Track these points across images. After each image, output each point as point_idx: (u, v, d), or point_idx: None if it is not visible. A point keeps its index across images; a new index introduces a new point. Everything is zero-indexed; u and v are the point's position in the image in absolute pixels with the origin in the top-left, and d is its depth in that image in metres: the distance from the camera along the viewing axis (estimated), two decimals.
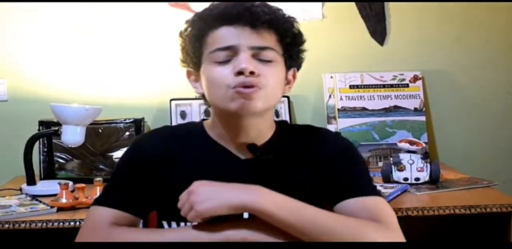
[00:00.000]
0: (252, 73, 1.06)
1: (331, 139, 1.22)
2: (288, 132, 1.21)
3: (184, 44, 1.16)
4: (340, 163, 1.18)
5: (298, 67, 1.21)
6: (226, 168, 1.15)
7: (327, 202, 1.16)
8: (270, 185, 1.11)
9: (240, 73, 1.07)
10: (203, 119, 1.24)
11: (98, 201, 1.15)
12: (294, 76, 1.20)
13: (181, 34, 1.16)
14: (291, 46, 1.15)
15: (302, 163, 1.18)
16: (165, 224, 1.15)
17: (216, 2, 1.13)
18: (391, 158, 1.94)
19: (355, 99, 2.23)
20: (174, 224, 1.14)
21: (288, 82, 1.18)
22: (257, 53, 1.09)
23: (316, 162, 1.18)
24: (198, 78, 1.16)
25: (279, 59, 1.12)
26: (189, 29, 1.14)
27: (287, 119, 2.15)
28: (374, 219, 1.06)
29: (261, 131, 1.16)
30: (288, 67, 1.16)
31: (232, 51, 1.08)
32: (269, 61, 1.10)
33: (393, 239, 1.04)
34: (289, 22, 1.14)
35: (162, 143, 1.18)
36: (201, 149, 1.17)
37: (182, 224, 1.12)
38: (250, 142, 1.15)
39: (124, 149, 1.24)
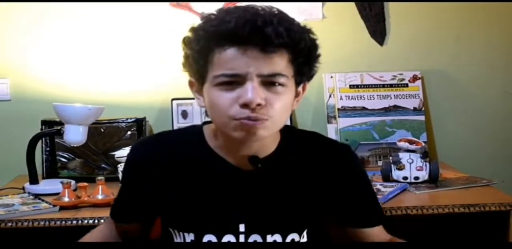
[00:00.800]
0: (259, 105, 1.00)
1: (339, 154, 1.19)
2: (294, 142, 1.16)
3: (189, 56, 1.07)
4: (352, 185, 1.19)
5: (310, 79, 1.14)
6: (226, 180, 1.13)
7: (329, 216, 1.21)
8: (272, 198, 1.13)
9: (245, 105, 1.00)
10: (204, 123, 1.19)
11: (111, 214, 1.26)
12: (304, 88, 1.13)
13: (184, 41, 1.08)
14: (304, 64, 1.07)
15: (307, 176, 1.15)
16: (171, 230, 1.16)
17: (222, 11, 1.03)
18: (391, 157, 1.95)
19: (355, 99, 2.24)
20: (177, 233, 1.15)
21: (297, 95, 1.11)
22: (266, 80, 1.01)
23: (324, 177, 1.16)
24: (201, 92, 1.09)
25: (289, 82, 1.05)
26: (194, 41, 1.05)
27: (288, 119, 2.15)
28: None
29: (264, 145, 1.12)
30: (298, 83, 1.09)
31: (239, 77, 1.00)
32: (279, 85, 1.02)
33: None
34: (303, 40, 1.04)
35: (159, 153, 1.15)
36: (201, 161, 1.14)
37: (186, 234, 1.13)
38: (252, 154, 1.11)
39: (126, 148, 1.26)
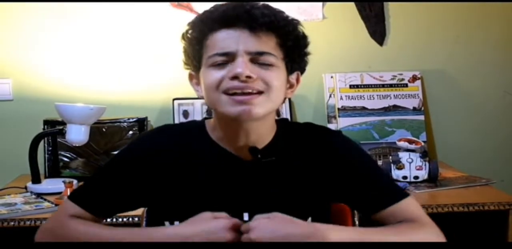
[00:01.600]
0: (249, 77, 1.04)
1: (333, 139, 1.20)
2: (289, 132, 1.18)
3: (186, 46, 1.13)
4: (356, 168, 1.17)
5: (302, 70, 1.17)
6: (228, 170, 1.14)
7: (335, 200, 1.20)
8: (274, 187, 1.13)
9: (235, 77, 1.04)
10: (205, 118, 1.22)
11: (71, 195, 1.17)
12: (297, 80, 1.16)
13: (183, 36, 1.13)
14: (293, 49, 1.10)
15: (306, 164, 1.16)
16: (167, 223, 1.14)
17: (218, 3, 1.10)
18: (391, 157, 1.96)
19: (355, 99, 2.25)
20: (177, 223, 1.13)
21: (291, 86, 1.14)
22: (255, 58, 1.06)
23: (323, 163, 1.17)
24: (199, 81, 1.13)
25: (279, 63, 1.09)
26: (190, 31, 1.12)
27: (288, 118, 2.16)
28: (414, 220, 1.12)
29: (262, 134, 1.13)
30: (290, 71, 1.13)
31: (230, 56, 1.05)
32: (269, 65, 1.07)
33: (435, 233, 1.11)
34: (291, 25, 1.09)
35: (163, 143, 1.16)
36: (203, 151, 1.15)
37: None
38: (251, 145, 1.12)
39: None
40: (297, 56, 1.13)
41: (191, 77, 1.16)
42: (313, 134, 1.20)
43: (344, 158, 1.18)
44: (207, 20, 1.09)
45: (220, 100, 1.06)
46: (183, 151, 1.15)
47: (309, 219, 1.16)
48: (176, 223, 1.13)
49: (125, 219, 1.62)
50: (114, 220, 1.59)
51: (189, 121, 1.30)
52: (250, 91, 1.04)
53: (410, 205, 1.16)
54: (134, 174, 1.14)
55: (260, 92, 1.05)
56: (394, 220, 1.13)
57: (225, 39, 1.06)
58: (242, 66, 1.04)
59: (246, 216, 1.11)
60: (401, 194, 1.17)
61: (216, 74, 1.06)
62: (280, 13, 1.09)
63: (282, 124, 1.19)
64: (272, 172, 1.14)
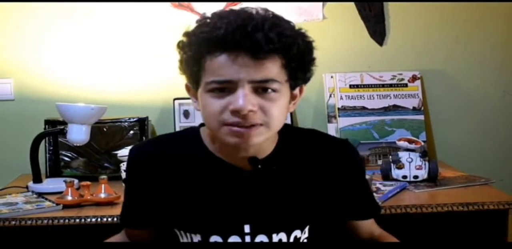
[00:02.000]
0: (251, 111, 0.99)
1: (339, 149, 1.19)
2: (292, 140, 1.16)
3: (181, 57, 1.07)
4: (353, 179, 1.21)
5: (306, 82, 1.11)
6: (228, 181, 1.13)
7: (332, 212, 1.23)
8: (275, 197, 1.13)
9: (236, 111, 0.99)
10: (202, 124, 1.17)
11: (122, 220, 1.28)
12: (301, 91, 1.12)
13: (178, 45, 1.07)
14: (298, 69, 1.05)
15: (307, 173, 1.16)
16: (177, 231, 1.16)
17: (216, 19, 1.00)
18: (390, 156, 1.95)
19: (355, 99, 2.25)
20: (183, 234, 1.15)
21: (293, 98, 1.10)
22: (258, 86, 1.00)
23: (324, 173, 1.17)
24: (196, 97, 1.09)
25: (283, 87, 1.03)
26: (187, 46, 1.05)
27: (288, 118, 2.17)
28: (383, 234, 1.27)
29: (262, 147, 1.11)
30: (293, 87, 1.08)
31: (230, 84, 1.00)
32: (272, 91, 1.01)
33: None
34: (295, 45, 1.01)
35: (158, 157, 1.15)
36: (201, 163, 1.14)
37: (193, 235, 1.13)
38: (251, 155, 1.10)
39: (129, 148, 1.26)
40: (302, 73, 1.07)
41: (188, 88, 1.13)
42: (318, 143, 1.19)
43: (343, 169, 1.19)
44: (205, 41, 1.01)
45: (219, 130, 1.04)
46: (181, 164, 1.14)
47: (307, 228, 1.17)
48: (181, 232, 1.15)
49: None
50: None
51: (185, 130, 1.29)
52: (249, 125, 1.01)
53: (374, 225, 1.29)
54: (143, 189, 1.17)
55: (260, 124, 1.02)
56: (367, 230, 1.26)
57: (225, 66, 0.99)
58: (244, 99, 0.98)
59: (247, 228, 1.11)
60: (379, 209, 1.31)
61: (216, 104, 1.01)
62: (285, 31, 1.00)
63: (285, 131, 1.15)
64: (272, 182, 1.13)
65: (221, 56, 0.99)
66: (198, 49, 1.02)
